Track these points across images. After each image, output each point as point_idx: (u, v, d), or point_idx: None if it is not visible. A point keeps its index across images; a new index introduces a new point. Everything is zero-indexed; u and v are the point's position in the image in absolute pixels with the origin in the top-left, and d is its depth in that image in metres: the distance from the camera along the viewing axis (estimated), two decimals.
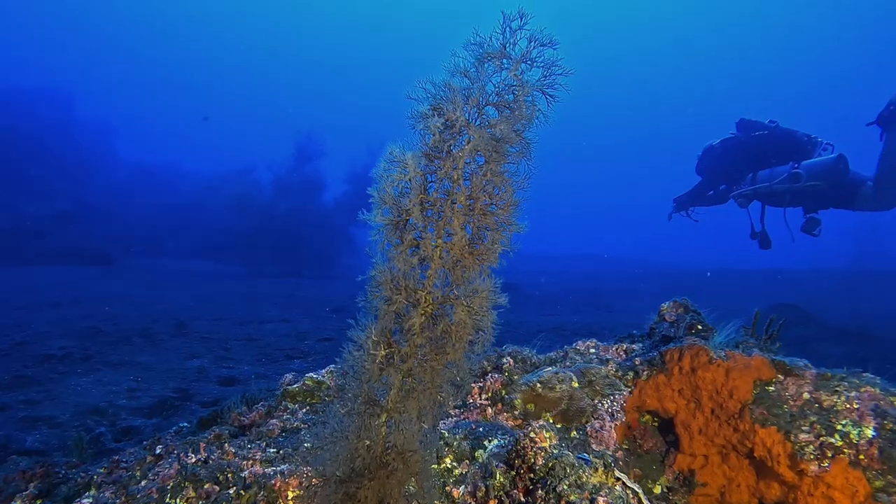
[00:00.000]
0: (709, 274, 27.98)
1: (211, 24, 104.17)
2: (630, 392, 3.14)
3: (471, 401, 3.29)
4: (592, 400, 3.13)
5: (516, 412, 3.13)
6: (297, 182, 29.47)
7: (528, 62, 1.74)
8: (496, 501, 2.24)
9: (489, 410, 3.16)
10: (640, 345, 3.66)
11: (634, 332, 3.94)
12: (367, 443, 1.84)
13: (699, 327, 3.43)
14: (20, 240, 23.42)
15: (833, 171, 8.10)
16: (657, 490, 2.87)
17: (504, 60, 1.73)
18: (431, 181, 1.78)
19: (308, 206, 28.84)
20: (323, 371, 3.77)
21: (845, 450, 2.49)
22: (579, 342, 3.84)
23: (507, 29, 1.71)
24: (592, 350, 3.73)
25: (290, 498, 2.38)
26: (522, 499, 2.15)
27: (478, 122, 1.75)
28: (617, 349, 3.69)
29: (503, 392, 3.27)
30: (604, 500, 1.90)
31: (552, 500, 1.99)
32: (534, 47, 1.72)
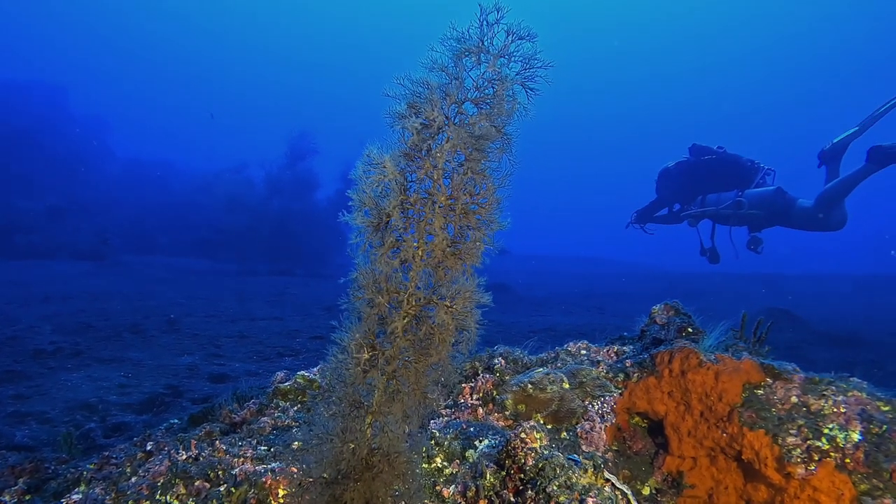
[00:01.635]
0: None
1: (205, 23, 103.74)
2: (620, 394, 3.15)
3: (462, 401, 3.30)
4: (583, 401, 3.15)
5: (507, 413, 3.14)
6: (290, 180, 29.36)
7: (507, 56, 1.72)
8: (486, 501, 2.25)
9: (480, 410, 3.17)
10: (631, 347, 3.68)
11: (625, 334, 3.96)
12: (352, 446, 1.83)
13: (689, 330, 3.46)
14: (11, 234, 23.28)
15: (771, 202, 9.19)
16: (646, 491, 2.88)
17: (482, 55, 1.71)
18: (412, 181, 1.76)
19: (301, 205, 28.76)
20: (315, 369, 3.77)
21: (832, 453, 2.52)
22: (571, 343, 3.86)
23: (485, 22, 1.68)
24: (584, 351, 3.74)
25: (280, 496, 2.38)
26: (512, 499, 2.16)
27: (457, 120, 1.74)
28: (608, 351, 3.71)
29: (494, 392, 3.28)
30: (593, 501, 1.92)
31: (542, 501, 2.00)
32: (512, 41, 1.70)
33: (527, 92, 1.75)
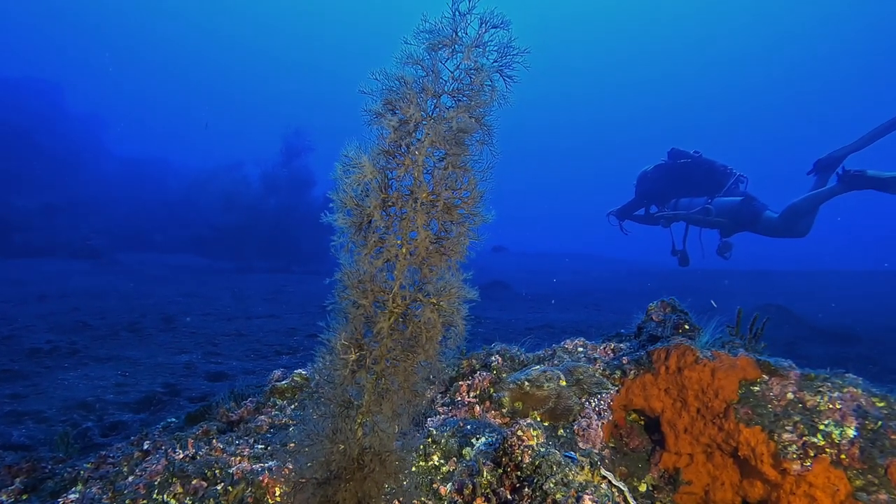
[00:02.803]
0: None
1: (202, 21, 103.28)
2: (617, 391, 3.16)
3: (459, 398, 3.31)
4: (580, 398, 3.15)
5: (504, 410, 3.14)
6: (286, 178, 29.27)
7: (481, 46, 1.68)
8: (483, 499, 2.25)
9: (477, 408, 3.18)
10: (628, 344, 3.69)
11: (622, 331, 3.97)
12: (342, 447, 1.82)
13: (686, 327, 3.46)
14: (7, 233, 23.19)
15: (737, 212, 9.51)
16: (642, 488, 2.89)
17: (456, 46, 1.68)
18: (392, 178, 1.73)
19: (297, 202, 28.68)
20: (311, 367, 3.77)
21: (827, 449, 2.53)
22: (567, 341, 3.86)
23: (457, 12, 1.65)
24: (580, 349, 3.75)
25: (277, 494, 2.39)
26: (509, 496, 2.17)
27: (435, 114, 1.70)
28: (605, 348, 3.72)
29: (491, 390, 3.29)
30: (589, 498, 1.92)
31: (538, 498, 2.00)
32: (485, 30, 1.66)
33: (505, 80, 1.71)
